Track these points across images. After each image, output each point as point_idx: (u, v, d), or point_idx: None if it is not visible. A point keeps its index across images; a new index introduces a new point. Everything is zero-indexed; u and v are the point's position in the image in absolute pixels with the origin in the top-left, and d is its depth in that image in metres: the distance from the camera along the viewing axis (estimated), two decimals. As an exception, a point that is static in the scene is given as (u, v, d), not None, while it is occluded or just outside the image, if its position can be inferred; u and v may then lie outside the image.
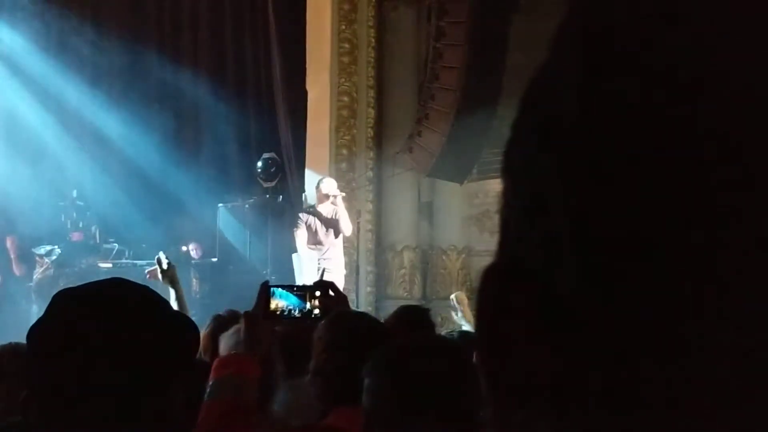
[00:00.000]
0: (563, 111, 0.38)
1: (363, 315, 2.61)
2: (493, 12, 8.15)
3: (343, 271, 7.90)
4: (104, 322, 1.30)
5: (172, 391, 1.33)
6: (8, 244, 9.40)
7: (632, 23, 0.37)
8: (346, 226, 7.85)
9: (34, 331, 1.32)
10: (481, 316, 0.42)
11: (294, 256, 8.02)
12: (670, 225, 0.35)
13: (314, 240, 7.86)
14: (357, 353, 2.03)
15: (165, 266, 3.72)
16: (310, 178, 9.08)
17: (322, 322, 2.31)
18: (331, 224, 7.83)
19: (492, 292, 0.41)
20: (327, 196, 7.82)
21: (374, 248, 9.00)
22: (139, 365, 1.28)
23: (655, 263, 0.35)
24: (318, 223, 7.85)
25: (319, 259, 7.76)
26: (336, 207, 7.85)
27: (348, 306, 2.67)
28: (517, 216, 0.41)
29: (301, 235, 7.95)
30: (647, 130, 0.35)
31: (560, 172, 0.37)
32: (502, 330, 0.40)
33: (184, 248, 10.56)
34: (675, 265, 0.35)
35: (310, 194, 8.98)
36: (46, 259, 9.42)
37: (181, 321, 1.41)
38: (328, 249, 7.83)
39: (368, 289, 8.81)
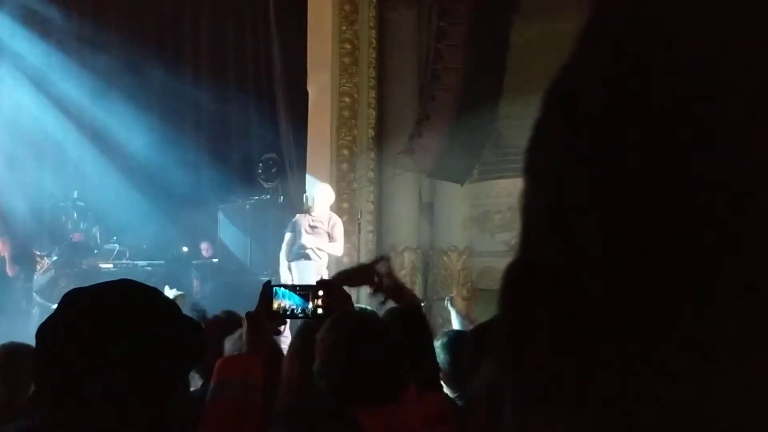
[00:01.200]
0: (590, 110, 0.38)
1: (365, 314, 2.59)
2: (494, 13, 8.15)
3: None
4: (112, 324, 1.29)
5: (179, 391, 1.33)
6: (1, 245, 9.36)
7: (660, 21, 0.37)
8: (338, 248, 7.75)
9: (43, 330, 1.33)
10: (503, 315, 0.42)
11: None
12: (699, 227, 0.34)
13: (300, 245, 7.79)
14: (361, 353, 2.02)
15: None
16: (311, 178, 9.07)
17: (325, 323, 2.30)
18: (318, 232, 7.76)
19: (515, 291, 0.41)
20: (321, 204, 7.79)
21: (375, 249, 8.99)
22: (146, 366, 1.28)
23: (683, 265, 0.35)
24: (305, 228, 7.78)
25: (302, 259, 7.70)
26: (327, 221, 7.79)
27: (352, 305, 2.66)
28: (540, 215, 0.41)
29: (287, 242, 7.87)
30: (676, 131, 0.35)
31: (587, 172, 0.37)
32: (524, 329, 0.40)
33: (185, 248, 10.56)
34: (703, 267, 0.34)
35: (311, 195, 8.98)
36: (47, 260, 9.42)
37: (189, 323, 1.41)
38: (312, 255, 7.73)
39: (369, 289, 8.80)
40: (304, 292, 2.56)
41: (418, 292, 9.07)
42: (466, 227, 9.03)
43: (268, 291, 2.48)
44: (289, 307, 2.51)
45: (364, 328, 2.17)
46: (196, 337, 1.38)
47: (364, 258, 8.65)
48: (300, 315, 2.55)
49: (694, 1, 0.37)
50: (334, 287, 2.59)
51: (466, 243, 8.99)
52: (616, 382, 0.37)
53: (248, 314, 2.31)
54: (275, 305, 2.48)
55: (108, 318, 1.30)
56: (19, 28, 10.61)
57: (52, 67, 10.75)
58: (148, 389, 1.27)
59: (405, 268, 8.97)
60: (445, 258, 9.04)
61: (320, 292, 2.54)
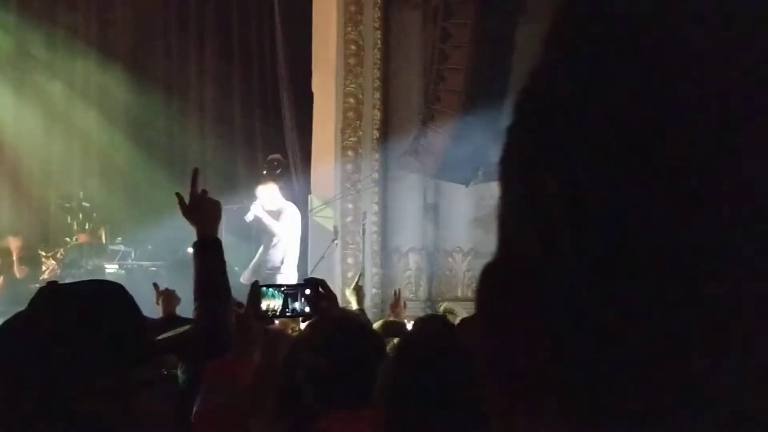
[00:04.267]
0: (557, 110, 0.39)
1: (345, 318, 2.58)
2: (499, 14, 8.15)
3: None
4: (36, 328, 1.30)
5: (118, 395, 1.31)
6: (11, 244, 9.39)
7: (621, 24, 0.38)
8: (278, 228, 7.90)
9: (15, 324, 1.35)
10: (482, 313, 0.42)
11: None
12: (667, 221, 0.35)
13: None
14: (341, 358, 2.01)
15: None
16: (316, 179, 9.08)
17: (303, 328, 2.29)
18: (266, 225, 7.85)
19: (492, 288, 0.42)
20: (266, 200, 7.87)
21: (380, 250, 8.99)
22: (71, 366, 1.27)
23: (654, 259, 0.35)
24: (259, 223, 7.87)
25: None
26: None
27: (337, 303, 2.67)
28: (514, 213, 0.42)
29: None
30: (639, 127, 0.36)
31: (557, 168, 0.38)
32: (503, 326, 0.41)
33: (190, 250, 10.56)
34: (667, 252, 0.35)
35: (316, 195, 8.98)
36: (53, 261, 9.44)
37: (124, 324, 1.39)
38: (269, 252, 7.80)
39: (374, 290, 8.80)
40: (292, 291, 2.57)
41: (423, 293, 9.07)
42: (471, 228, 9.02)
43: (256, 291, 2.49)
44: (278, 307, 2.53)
45: (343, 332, 2.15)
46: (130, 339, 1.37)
47: (369, 259, 8.66)
48: (288, 314, 2.56)
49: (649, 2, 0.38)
50: (321, 285, 2.59)
51: (471, 244, 8.99)
52: (594, 381, 0.37)
53: (237, 316, 2.30)
54: (264, 305, 2.49)
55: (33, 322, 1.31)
56: (26, 28, 10.66)
57: (55, 67, 10.78)
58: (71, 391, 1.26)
59: (410, 269, 8.98)
60: (449, 259, 9.04)
61: (307, 291, 2.55)
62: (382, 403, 1.63)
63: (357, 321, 2.42)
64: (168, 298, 3.83)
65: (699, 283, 0.34)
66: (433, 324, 1.97)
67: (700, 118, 0.35)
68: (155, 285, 3.93)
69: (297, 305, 2.54)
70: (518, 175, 0.41)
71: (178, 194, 2.57)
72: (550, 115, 0.39)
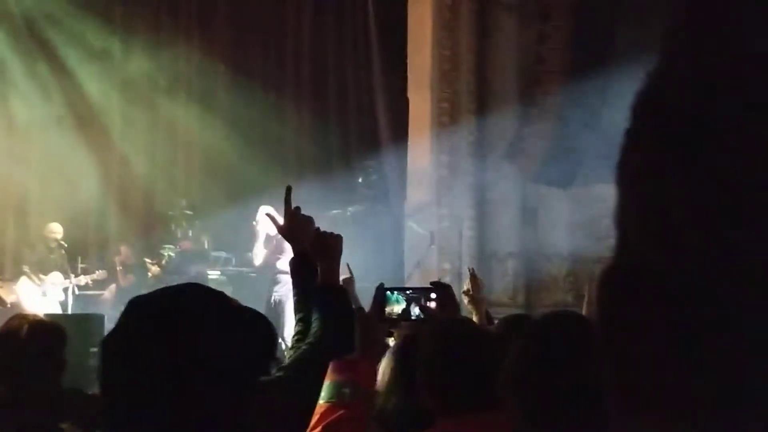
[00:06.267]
0: (683, 116, 0.38)
1: (468, 322, 2.58)
2: (597, 15, 8.01)
3: None
4: (179, 329, 1.29)
5: (254, 394, 1.32)
6: (122, 251, 9.74)
7: (740, 32, 0.37)
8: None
9: (109, 341, 1.33)
10: (604, 318, 0.42)
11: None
12: None
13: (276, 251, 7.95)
14: (463, 362, 2.00)
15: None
16: (412, 185, 9.10)
17: (426, 331, 2.28)
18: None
19: (615, 293, 0.41)
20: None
21: (477, 255, 8.94)
22: (217, 370, 1.27)
23: None
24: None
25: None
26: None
27: (458, 310, 2.67)
28: (634, 217, 0.41)
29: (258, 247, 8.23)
30: (765, 133, 0.35)
31: (685, 174, 0.37)
32: (628, 329, 0.40)
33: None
34: None
35: (411, 202, 9.00)
36: (157, 267, 9.76)
37: (257, 323, 1.40)
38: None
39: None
40: (417, 294, 2.58)
41: (521, 298, 8.97)
42: (571, 233, 8.88)
43: (381, 294, 2.51)
44: (402, 310, 2.54)
45: (467, 337, 2.15)
46: (265, 336, 1.38)
47: (466, 264, 8.62)
48: (413, 318, 2.57)
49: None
50: (447, 290, 2.60)
51: (571, 249, 8.83)
52: (721, 381, 0.36)
53: (362, 315, 2.31)
54: (388, 308, 2.51)
55: (175, 323, 1.30)
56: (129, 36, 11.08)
57: (159, 74, 11.16)
58: (221, 394, 1.26)
59: (508, 274, 8.89)
60: (548, 264, 8.91)
61: (433, 295, 2.56)
62: (514, 395, 1.60)
63: (476, 327, 2.42)
64: None
65: None
66: (568, 317, 1.94)
67: None
68: None
69: (417, 310, 2.56)
70: (639, 179, 0.40)
71: (269, 215, 2.68)
72: (675, 119, 0.38)
